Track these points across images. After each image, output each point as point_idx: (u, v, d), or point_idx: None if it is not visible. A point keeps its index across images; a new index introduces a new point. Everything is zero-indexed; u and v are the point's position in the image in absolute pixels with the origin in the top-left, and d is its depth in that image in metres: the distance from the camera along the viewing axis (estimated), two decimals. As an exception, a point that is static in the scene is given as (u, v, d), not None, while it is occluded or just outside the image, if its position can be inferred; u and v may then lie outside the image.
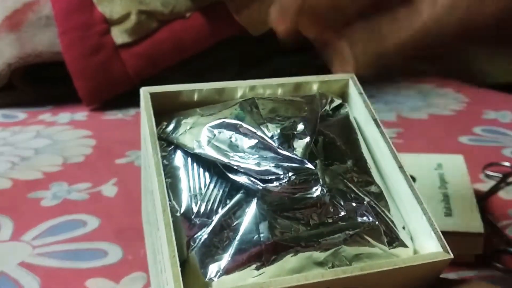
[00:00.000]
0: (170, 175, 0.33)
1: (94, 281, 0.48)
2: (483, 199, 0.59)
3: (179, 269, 0.29)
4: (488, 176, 0.65)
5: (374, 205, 0.33)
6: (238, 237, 0.30)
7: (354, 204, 0.32)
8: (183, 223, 0.31)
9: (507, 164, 0.67)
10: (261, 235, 0.30)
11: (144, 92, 0.37)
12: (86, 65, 0.93)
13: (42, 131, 0.85)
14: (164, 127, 0.36)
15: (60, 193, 0.64)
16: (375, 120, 0.37)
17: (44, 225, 0.57)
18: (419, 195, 0.34)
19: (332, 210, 0.32)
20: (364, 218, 0.32)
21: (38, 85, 1.00)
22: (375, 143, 0.37)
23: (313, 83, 0.39)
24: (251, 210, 0.31)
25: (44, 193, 0.64)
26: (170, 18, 0.96)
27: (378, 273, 0.30)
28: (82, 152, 0.76)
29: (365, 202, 0.33)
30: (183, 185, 0.33)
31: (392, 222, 0.33)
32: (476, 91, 1.04)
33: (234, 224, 0.30)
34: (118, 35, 0.94)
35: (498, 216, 0.56)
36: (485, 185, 0.62)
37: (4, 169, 0.70)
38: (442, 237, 0.32)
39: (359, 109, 0.38)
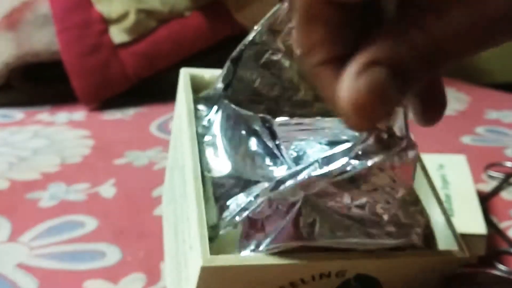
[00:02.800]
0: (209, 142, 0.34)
1: (92, 283, 0.47)
2: (485, 200, 0.58)
3: (206, 233, 0.29)
4: (490, 176, 0.64)
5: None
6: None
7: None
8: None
9: (509, 164, 0.66)
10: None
11: (184, 73, 0.39)
12: (84, 64, 0.93)
13: (40, 131, 0.84)
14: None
15: (58, 193, 0.63)
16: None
17: (42, 226, 0.56)
18: (439, 194, 0.34)
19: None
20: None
21: (36, 84, 1.00)
22: None
23: None
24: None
25: (42, 193, 0.63)
26: (169, 17, 0.95)
27: (395, 263, 0.30)
28: (80, 152, 0.75)
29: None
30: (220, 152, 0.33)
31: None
32: (478, 90, 1.03)
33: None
34: (117, 34, 0.94)
35: (500, 217, 0.56)
36: (487, 186, 0.62)
37: (1, 170, 0.69)
38: (459, 236, 0.33)
39: None
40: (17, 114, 0.93)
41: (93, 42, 0.93)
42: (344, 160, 0.28)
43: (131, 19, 0.94)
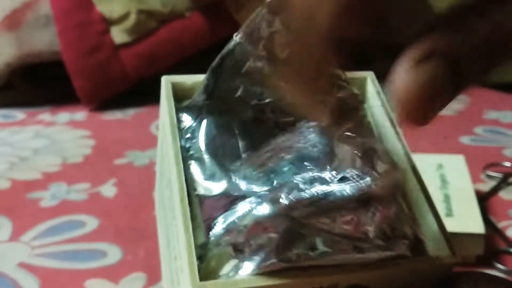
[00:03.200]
0: (192, 156, 0.34)
1: (93, 282, 0.47)
2: (484, 200, 0.58)
3: (195, 258, 0.29)
4: (489, 176, 0.64)
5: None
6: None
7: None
8: (203, 206, 0.32)
9: (508, 164, 0.66)
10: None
11: (166, 81, 0.38)
12: (85, 64, 0.93)
13: (41, 131, 0.84)
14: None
15: (59, 193, 0.63)
16: (391, 121, 0.37)
17: (43, 226, 0.56)
18: (431, 197, 0.34)
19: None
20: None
21: (37, 84, 1.00)
22: (392, 145, 0.37)
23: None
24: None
25: (43, 193, 0.63)
26: (170, 18, 0.96)
27: (386, 273, 0.31)
28: (81, 152, 0.76)
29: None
30: (204, 168, 0.33)
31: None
32: (478, 91, 1.03)
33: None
34: (118, 35, 0.94)
35: (499, 216, 0.56)
36: (486, 186, 0.62)
37: (3, 169, 0.70)
38: (450, 239, 0.33)
39: (376, 108, 0.38)
40: (18, 114, 0.93)
41: (94, 42, 0.94)
42: (328, 183, 0.29)
43: (132, 19, 0.94)
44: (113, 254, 0.51)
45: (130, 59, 0.94)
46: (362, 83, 0.40)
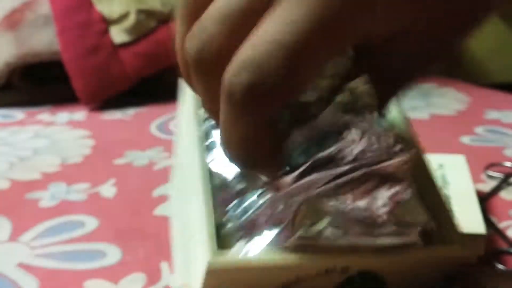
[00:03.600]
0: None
1: (92, 282, 0.47)
2: (484, 200, 0.58)
3: (214, 229, 0.30)
4: (490, 176, 0.64)
5: None
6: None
7: None
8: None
9: (509, 164, 0.66)
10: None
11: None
12: (85, 64, 0.93)
13: (40, 131, 0.84)
14: None
15: (58, 193, 0.63)
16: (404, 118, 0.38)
17: (42, 226, 0.56)
18: (440, 187, 0.35)
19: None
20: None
21: (36, 84, 1.00)
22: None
23: None
24: None
25: (42, 193, 0.63)
26: (170, 17, 0.96)
27: (397, 259, 0.31)
28: (80, 152, 0.75)
29: None
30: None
31: None
32: (478, 90, 1.03)
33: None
34: (117, 35, 0.94)
35: (499, 216, 0.56)
36: (486, 186, 0.62)
37: (2, 169, 0.70)
38: (461, 233, 0.33)
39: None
40: (18, 114, 0.93)
41: (94, 42, 0.94)
42: (347, 162, 0.28)
43: (131, 19, 0.94)
44: (113, 254, 0.51)
45: (129, 59, 0.94)
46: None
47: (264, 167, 0.29)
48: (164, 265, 0.49)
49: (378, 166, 0.29)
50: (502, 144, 0.75)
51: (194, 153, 0.34)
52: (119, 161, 0.72)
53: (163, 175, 0.67)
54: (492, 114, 0.88)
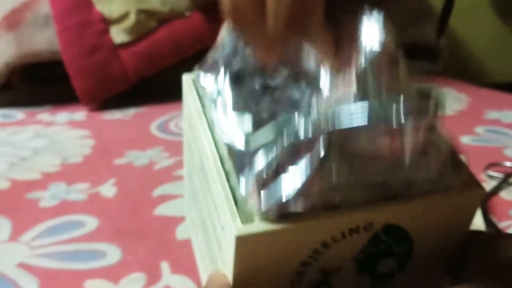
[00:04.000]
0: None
1: (92, 282, 0.47)
2: (485, 200, 0.58)
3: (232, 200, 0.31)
4: (490, 176, 0.64)
5: None
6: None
7: None
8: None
9: (509, 164, 0.66)
10: None
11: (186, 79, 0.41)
12: (85, 64, 0.93)
13: (40, 131, 0.84)
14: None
15: (58, 193, 0.63)
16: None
17: (42, 226, 0.56)
18: (445, 138, 0.36)
19: None
20: None
21: (36, 84, 1.00)
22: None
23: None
24: None
25: (42, 193, 0.63)
26: (169, 17, 0.96)
27: (417, 207, 0.31)
28: (80, 152, 0.75)
29: None
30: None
31: None
32: (478, 91, 1.03)
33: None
34: (117, 35, 0.94)
35: (499, 217, 0.56)
36: (487, 186, 0.62)
37: (2, 169, 0.70)
38: (473, 174, 0.34)
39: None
40: (18, 114, 0.93)
41: (94, 42, 0.94)
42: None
43: (131, 19, 0.94)
44: (113, 254, 0.51)
45: (129, 59, 0.94)
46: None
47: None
48: (164, 265, 0.49)
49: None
50: (502, 144, 0.75)
51: (205, 140, 0.35)
52: (119, 161, 0.72)
53: (163, 175, 0.67)
54: (492, 114, 0.88)
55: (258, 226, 0.30)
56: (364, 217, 0.31)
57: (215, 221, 0.34)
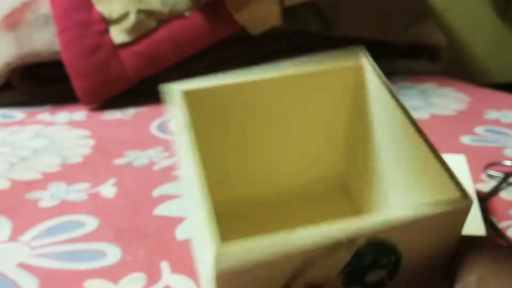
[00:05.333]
0: None
1: (92, 282, 0.47)
2: (484, 200, 0.58)
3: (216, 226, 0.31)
4: (490, 176, 0.64)
5: None
6: None
7: None
8: None
9: (508, 163, 0.66)
10: None
11: (176, 91, 0.40)
12: (85, 64, 0.93)
13: (40, 131, 0.84)
14: None
15: (58, 193, 0.63)
16: (401, 107, 0.37)
17: (42, 226, 0.56)
18: (436, 150, 0.35)
19: None
20: None
21: (36, 84, 1.00)
22: (402, 131, 0.37)
23: (327, 72, 0.39)
24: None
25: (42, 193, 0.63)
26: (169, 18, 0.96)
27: (401, 223, 0.31)
28: (80, 152, 0.75)
29: None
30: None
31: None
32: (478, 90, 1.03)
33: None
34: (117, 35, 0.94)
35: (499, 216, 0.56)
36: (486, 186, 0.62)
37: (2, 169, 0.70)
38: (462, 184, 0.33)
39: (379, 94, 0.38)
40: (18, 114, 0.93)
41: (94, 42, 0.94)
42: None
43: (131, 19, 0.94)
44: (113, 254, 0.51)
45: (129, 59, 0.94)
46: (357, 70, 0.40)
47: None
48: (164, 265, 0.49)
49: None
50: (502, 144, 0.75)
51: (188, 156, 0.35)
52: (119, 161, 0.72)
53: (163, 175, 0.67)
54: (492, 114, 0.88)
55: (238, 256, 0.30)
56: (345, 235, 0.31)
57: (202, 245, 0.34)
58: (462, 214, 0.33)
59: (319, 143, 0.44)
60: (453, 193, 0.33)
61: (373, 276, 0.33)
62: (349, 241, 0.31)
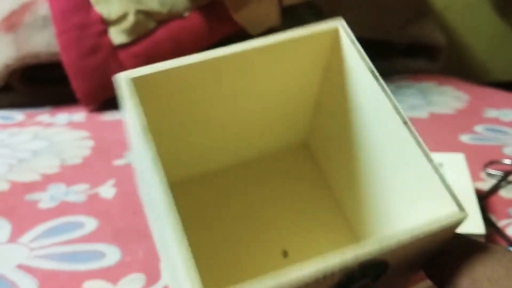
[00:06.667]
0: None
1: (92, 283, 0.47)
2: (484, 198, 0.58)
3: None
4: (489, 174, 0.64)
5: None
6: None
7: None
8: None
9: (508, 162, 0.66)
10: None
11: (124, 79, 0.34)
12: (84, 65, 0.93)
13: (39, 132, 0.84)
14: None
15: (57, 194, 0.63)
16: (372, 72, 0.34)
17: (41, 227, 0.56)
18: (428, 152, 0.32)
19: None
20: None
21: (35, 86, 1.00)
22: (374, 98, 0.35)
23: (302, 37, 0.36)
24: None
25: (41, 194, 0.63)
26: (168, 18, 0.96)
27: (394, 246, 0.30)
28: (80, 153, 0.75)
29: None
30: None
31: None
32: (477, 89, 1.03)
33: None
34: (116, 35, 0.94)
35: (499, 215, 0.56)
36: (486, 184, 0.62)
37: (1, 171, 0.70)
38: (456, 194, 0.31)
39: (352, 60, 0.36)
40: (17, 115, 0.93)
41: (93, 43, 0.94)
42: None
43: (130, 20, 0.94)
44: (112, 255, 0.51)
45: (128, 60, 0.94)
46: (334, 35, 0.36)
47: None
48: (163, 265, 0.49)
49: None
50: (501, 142, 0.75)
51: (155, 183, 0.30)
52: (119, 162, 0.72)
53: (163, 176, 0.67)
54: (491, 113, 0.88)
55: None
56: (338, 266, 0.29)
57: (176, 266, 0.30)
58: (455, 226, 0.33)
59: (286, 111, 0.41)
60: (449, 206, 0.33)
61: (357, 283, 0.33)
62: (343, 267, 0.30)
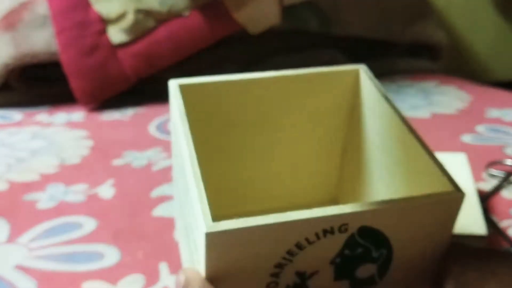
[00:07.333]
0: None
1: (91, 284, 0.47)
2: (485, 199, 0.58)
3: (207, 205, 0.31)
4: (491, 175, 0.64)
5: None
6: None
7: None
8: None
9: (510, 162, 0.66)
10: None
11: (173, 85, 0.41)
12: (83, 65, 0.93)
13: (38, 132, 0.84)
14: None
15: (56, 194, 0.63)
16: (392, 105, 0.38)
17: (40, 227, 0.56)
18: (433, 153, 0.35)
19: None
20: None
21: (34, 85, 0.99)
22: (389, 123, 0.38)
23: (325, 75, 0.41)
24: None
25: (40, 194, 0.63)
26: (168, 17, 0.95)
27: (394, 210, 0.31)
28: (79, 153, 0.75)
29: None
30: None
31: None
32: (479, 89, 1.03)
33: None
34: (115, 35, 0.93)
35: (500, 216, 0.55)
36: (487, 184, 0.62)
37: (0, 171, 0.69)
38: (453, 177, 0.34)
39: (373, 101, 0.39)
40: (16, 115, 0.92)
41: (92, 42, 0.93)
42: None
43: (129, 19, 0.93)
44: (111, 255, 0.51)
45: (128, 59, 0.94)
46: (355, 76, 0.41)
47: None
48: (162, 266, 0.49)
49: None
50: (503, 142, 0.75)
51: (185, 148, 0.36)
52: (118, 162, 0.72)
53: (162, 176, 0.67)
54: (493, 113, 0.88)
55: (228, 224, 0.30)
56: (338, 217, 0.31)
57: (192, 221, 0.34)
58: (453, 206, 0.33)
59: (313, 154, 0.45)
60: (446, 187, 0.33)
61: (363, 271, 0.33)
62: (342, 225, 0.31)
